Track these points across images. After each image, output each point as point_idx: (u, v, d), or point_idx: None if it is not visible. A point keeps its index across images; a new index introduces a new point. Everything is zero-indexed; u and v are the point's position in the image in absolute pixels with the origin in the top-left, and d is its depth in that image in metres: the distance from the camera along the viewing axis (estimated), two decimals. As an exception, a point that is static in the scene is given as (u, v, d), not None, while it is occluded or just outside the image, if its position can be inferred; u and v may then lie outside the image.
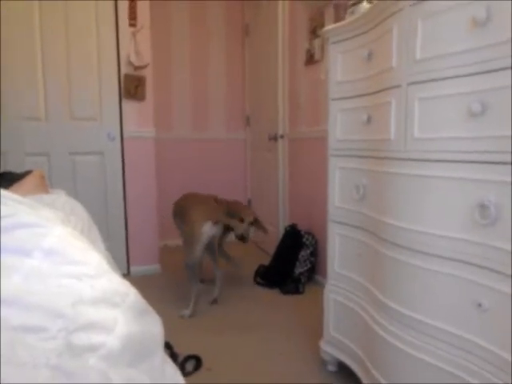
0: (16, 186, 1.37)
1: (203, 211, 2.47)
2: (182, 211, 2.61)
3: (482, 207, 1.03)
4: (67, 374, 0.53)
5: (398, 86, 1.27)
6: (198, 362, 1.90)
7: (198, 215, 2.45)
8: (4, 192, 0.78)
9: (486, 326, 1.05)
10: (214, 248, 2.65)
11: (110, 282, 0.75)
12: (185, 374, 1.73)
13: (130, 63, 2.99)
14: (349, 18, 1.57)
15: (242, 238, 2.52)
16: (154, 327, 0.83)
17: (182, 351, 1.93)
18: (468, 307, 1.09)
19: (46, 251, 0.69)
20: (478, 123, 1.04)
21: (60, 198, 1.41)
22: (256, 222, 2.63)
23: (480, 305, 1.05)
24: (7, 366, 0.46)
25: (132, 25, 2.99)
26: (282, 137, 3.39)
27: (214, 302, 2.61)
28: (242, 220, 2.53)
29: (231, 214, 2.54)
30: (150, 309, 0.86)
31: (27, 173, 1.49)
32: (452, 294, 1.13)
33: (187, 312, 2.41)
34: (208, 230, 2.42)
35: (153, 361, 0.79)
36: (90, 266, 0.74)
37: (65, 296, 0.64)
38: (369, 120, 1.45)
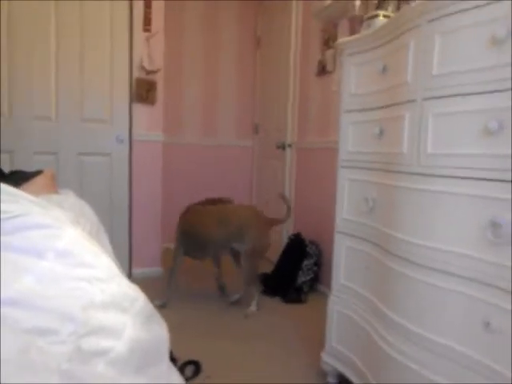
0: (26, 185, 1.37)
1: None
2: (197, 231, 2.60)
3: (495, 226, 1.02)
4: (77, 380, 0.53)
5: (413, 101, 1.27)
6: (197, 367, 1.89)
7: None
8: (18, 191, 0.78)
9: (494, 346, 1.04)
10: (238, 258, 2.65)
11: (119, 286, 0.75)
12: (184, 379, 1.72)
13: (142, 67, 3.00)
14: (365, 31, 1.57)
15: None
16: (160, 333, 0.83)
17: (181, 356, 1.92)
18: (476, 326, 1.08)
19: (58, 253, 0.68)
20: (493, 141, 1.04)
21: (69, 198, 1.41)
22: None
23: (488, 324, 1.04)
24: (20, 369, 0.46)
25: (146, 30, 3.01)
26: (290, 146, 3.39)
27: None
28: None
29: None
30: (157, 314, 0.85)
31: (38, 172, 1.49)
32: (460, 312, 1.12)
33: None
34: None
35: (159, 367, 0.79)
36: (101, 270, 0.74)
37: (76, 299, 0.64)
38: (381, 133, 1.45)
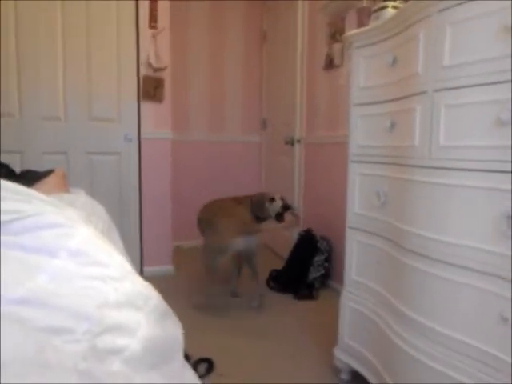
0: (38, 184, 1.38)
1: (235, 226, 2.46)
2: (210, 223, 2.56)
3: (509, 218, 1.00)
4: (95, 380, 0.53)
5: (424, 93, 1.25)
6: (210, 365, 1.89)
7: (226, 229, 2.44)
8: (31, 191, 0.78)
9: (509, 340, 1.02)
10: (252, 260, 2.63)
11: (133, 284, 0.75)
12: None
13: (149, 65, 3.00)
14: (373, 23, 1.56)
15: (279, 216, 2.57)
16: (174, 331, 0.83)
17: (194, 354, 1.92)
18: (491, 320, 1.06)
19: (71, 252, 0.68)
20: (506, 132, 1.02)
21: (80, 197, 1.41)
22: (285, 203, 2.66)
23: (504, 318, 1.03)
24: (37, 369, 0.46)
25: (152, 27, 3.01)
26: (298, 141, 3.37)
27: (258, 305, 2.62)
28: (272, 199, 2.58)
29: (259, 204, 2.57)
30: (171, 312, 0.85)
31: (49, 172, 1.50)
32: (475, 306, 1.11)
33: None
34: (236, 245, 2.46)
35: (173, 365, 0.79)
36: (114, 268, 0.74)
37: (90, 298, 0.64)
38: (392, 126, 1.43)
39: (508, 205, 1.01)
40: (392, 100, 1.44)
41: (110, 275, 0.72)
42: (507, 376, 1.03)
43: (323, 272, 2.88)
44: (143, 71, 3.03)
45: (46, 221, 0.70)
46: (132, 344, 0.66)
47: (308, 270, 2.87)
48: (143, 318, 0.72)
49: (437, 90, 1.21)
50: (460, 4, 1.11)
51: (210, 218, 2.59)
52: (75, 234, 0.73)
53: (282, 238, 3.63)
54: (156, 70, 3.03)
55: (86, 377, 0.52)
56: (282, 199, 2.63)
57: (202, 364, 1.88)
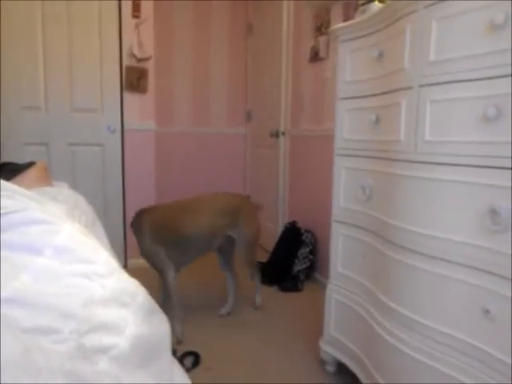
0: (19, 177, 1.34)
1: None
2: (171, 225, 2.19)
3: (494, 213, 1.02)
4: (82, 380, 0.52)
5: (410, 88, 1.26)
6: (196, 358, 1.89)
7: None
8: (13, 186, 0.76)
9: (494, 333, 1.05)
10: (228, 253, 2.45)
11: (119, 281, 0.74)
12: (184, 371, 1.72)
13: (132, 55, 2.96)
14: (359, 17, 1.55)
15: None
16: (162, 327, 0.82)
17: (180, 348, 1.92)
18: (476, 313, 1.08)
19: (56, 249, 0.67)
20: (491, 128, 1.03)
21: (63, 191, 1.39)
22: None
23: (488, 311, 1.05)
24: (23, 372, 0.44)
25: (135, 16, 2.96)
26: (283, 134, 3.37)
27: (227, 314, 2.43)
28: None
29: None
30: (158, 308, 0.84)
31: (30, 164, 1.46)
32: (460, 300, 1.13)
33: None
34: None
35: (161, 362, 0.78)
36: (100, 265, 0.72)
37: (76, 296, 0.63)
38: (377, 120, 1.44)
39: (492, 199, 1.03)
40: (378, 94, 1.44)
41: (96, 272, 0.70)
42: (492, 368, 1.05)
43: (308, 264, 2.90)
44: (126, 61, 2.98)
45: (29, 217, 0.69)
46: (119, 342, 0.65)
47: (293, 262, 2.89)
48: (130, 315, 0.71)
49: (422, 85, 1.21)
50: (446, 0, 1.12)
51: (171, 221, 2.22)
52: (60, 230, 0.71)
53: (267, 231, 3.64)
54: (139, 60, 2.98)
55: (72, 377, 0.51)
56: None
57: (189, 357, 1.89)
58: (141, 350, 0.71)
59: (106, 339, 0.63)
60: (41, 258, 0.65)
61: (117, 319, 0.67)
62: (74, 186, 1.71)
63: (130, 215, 3.13)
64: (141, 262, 3.12)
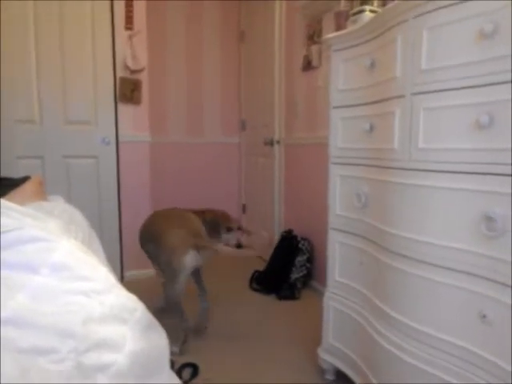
0: (13, 192, 1.34)
1: (184, 237, 2.06)
2: (156, 236, 2.17)
3: (488, 219, 1.03)
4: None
5: (402, 96, 1.27)
6: (194, 370, 1.88)
7: (177, 242, 2.04)
8: (8, 203, 0.76)
9: (490, 338, 1.05)
10: (200, 275, 2.33)
11: (117, 297, 0.74)
12: (182, 382, 1.71)
13: (126, 67, 2.96)
14: (351, 27, 1.57)
15: (239, 246, 2.47)
16: (160, 342, 0.82)
17: (178, 359, 1.91)
18: (472, 319, 1.09)
19: (53, 267, 0.67)
20: (484, 135, 1.04)
21: (58, 205, 1.38)
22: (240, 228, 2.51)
23: (484, 316, 1.05)
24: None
25: (128, 28, 2.97)
26: (278, 142, 3.38)
27: (201, 331, 2.28)
28: (229, 229, 2.40)
29: (213, 226, 2.32)
30: (156, 323, 0.84)
31: (25, 179, 1.46)
32: (456, 306, 1.13)
33: (176, 349, 1.99)
34: (191, 260, 2.02)
35: (160, 376, 0.78)
36: (98, 282, 0.72)
37: (74, 314, 0.62)
38: (371, 129, 1.45)
39: (486, 205, 1.04)
40: (371, 103, 1.46)
41: (94, 289, 0.70)
42: (488, 373, 1.06)
43: (305, 272, 2.89)
44: (120, 73, 2.99)
45: (25, 235, 0.68)
46: (118, 359, 0.65)
47: (290, 270, 2.88)
48: (129, 331, 0.71)
49: (415, 94, 1.23)
50: (435, 10, 1.13)
51: (153, 231, 2.23)
52: (57, 247, 0.71)
53: (264, 240, 3.64)
54: (133, 71, 2.99)
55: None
56: (240, 228, 2.42)
57: (187, 369, 1.87)
58: (140, 366, 0.71)
59: (105, 357, 0.63)
60: (38, 276, 0.65)
61: (116, 336, 0.67)
62: (69, 199, 1.70)
63: (126, 227, 3.13)
64: (137, 273, 3.12)
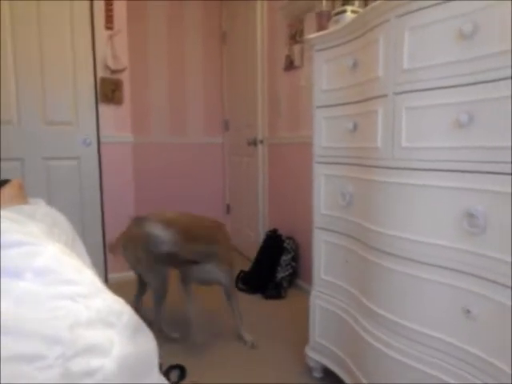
0: (-7, 196, 1.30)
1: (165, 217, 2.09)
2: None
3: (471, 216, 1.05)
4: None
5: (385, 96, 1.28)
6: (182, 371, 1.87)
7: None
8: (-10, 208, 0.74)
9: (475, 333, 1.07)
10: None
11: (104, 300, 0.73)
12: (169, 385, 1.70)
13: (106, 67, 2.92)
14: (333, 27, 1.58)
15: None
16: (148, 345, 0.81)
17: (165, 361, 1.89)
18: (457, 314, 1.11)
19: (37, 271, 0.65)
20: (465, 133, 1.06)
21: (40, 208, 1.35)
22: None
23: (469, 311, 1.07)
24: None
25: (108, 28, 2.93)
26: (261, 142, 3.38)
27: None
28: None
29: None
30: (144, 326, 0.83)
31: (4, 182, 1.42)
32: (441, 302, 1.15)
33: (176, 335, 2.19)
34: (152, 227, 2.05)
35: (149, 380, 0.77)
36: (84, 285, 0.71)
37: (61, 319, 0.61)
38: (355, 128, 1.46)
39: (469, 203, 1.06)
40: (354, 102, 1.47)
41: (80, 293, 0.69)
42: (475, 367, 1.08)
43: (291, 271, 2.90)
44: (101, 73, 2.95)
45: (8, 240, 0.67)
46: (106, 363, 0.64)
47: (276, 269, 2.89)
48: (116, 335, 0.70)
49: (397, 93, 1.24)
50: (417, 10, 1.15)
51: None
52: (40, 252, 0.70)
53: (249, 240, 3.64)
54: (114, 71, 2.95)
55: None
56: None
57: (174, 371, 1.86)
58: (128, 370, 0.70)
59: (93, 362, 0.62)
60: (22, 281, 0.63)
61: (103, 340, 0.66)
62: (50, 201, 1.67)
63: (109, 228, 3.09)
64: (121, 275, 3.08)
